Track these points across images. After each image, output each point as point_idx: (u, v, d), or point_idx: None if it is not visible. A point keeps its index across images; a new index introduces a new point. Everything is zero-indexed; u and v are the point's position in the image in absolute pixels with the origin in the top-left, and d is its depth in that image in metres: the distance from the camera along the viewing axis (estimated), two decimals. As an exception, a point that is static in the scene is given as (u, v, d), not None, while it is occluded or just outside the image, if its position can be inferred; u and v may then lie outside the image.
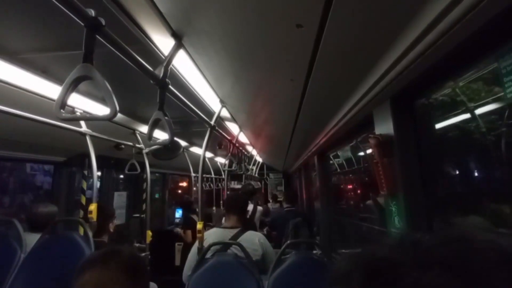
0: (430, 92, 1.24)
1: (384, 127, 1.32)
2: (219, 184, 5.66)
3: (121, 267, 0.75)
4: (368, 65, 1.13)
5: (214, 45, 1.13)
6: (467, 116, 1.19)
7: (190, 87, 1.58)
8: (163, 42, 1.09)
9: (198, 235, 1.82)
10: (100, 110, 1.93)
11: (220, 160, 4.69)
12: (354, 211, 3.10)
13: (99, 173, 3.07)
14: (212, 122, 1.99)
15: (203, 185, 3.60)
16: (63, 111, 0.75)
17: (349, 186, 3.49)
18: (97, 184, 2.06)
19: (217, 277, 1.60)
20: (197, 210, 2.77)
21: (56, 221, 2.06)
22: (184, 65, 1.31)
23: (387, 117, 1.29)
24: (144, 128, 2.66)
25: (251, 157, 5.06)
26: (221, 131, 2.51)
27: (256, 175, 6.80)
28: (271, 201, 6.97)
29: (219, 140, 3.62)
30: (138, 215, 3.93)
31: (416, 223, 1.14)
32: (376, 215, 2.18)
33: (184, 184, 7.06)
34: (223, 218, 2.47)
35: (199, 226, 1.84)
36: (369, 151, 1.81)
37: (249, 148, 4.37)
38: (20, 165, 3.78)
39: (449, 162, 1.39)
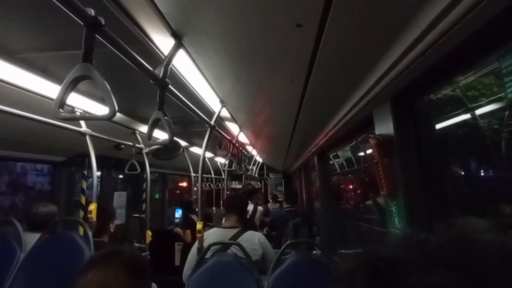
0: (430, 92, 1.24)
1: (384, 127, 1.32)
2: (219, 184, 5.66)
3: (123, 267, 0.76)
4: (368, 65, 1.13)
5: (214, 45, 1.13)
6: (467, 116, 1.19)
7: (190, 87, 1.58)
8: (163, 42, 1.09)
9: (198, 235, 1.82)
10: (100, 109, 1.93)
11: (220, 160, 4.69)
12: (354, 211, 3.10)
13: (99, 173, 3.06)
14: (212, 122, 1.99)
15: (203, 185, 3.61)
16: (62, 111, 0.75)
17: (349, 186, 3.49)
18: (97, 184, 2.06)
19: (216, 277, 1.60)
20: (196, 210, 2.77)
21: (56, 221, 2.06)
22: (184, 65, 1.31)
23: (387, 117, 1.29)
24: (144, 128, 2.65)
25: (251, 157, 5.06)
26: (221, 131, 2.51)
27: (256, 175, 6.79)
28: (271, 201, 6.97)
29: (219, 140, 3.62)
30: (138, 215, 3.93)
31: (416, 223, 1.14)
32: (376, 216, 2.17)
33: (184, 184, 7.06)
34: (223, 218, 2.47)
35: (199, 226, 1.84)
36: (369, 151, 1.81)
37: (249, 148, 4.37)
38: (9, 165, 3.71)
39: (450, 162, 1.39)
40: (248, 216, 3.07)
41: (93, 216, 1.86)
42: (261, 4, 0.83)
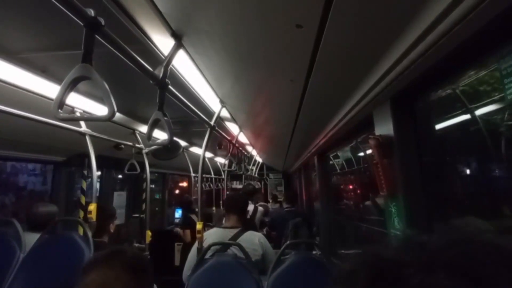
0: (430, 93, 1.24)
1: (384, 127, 1.32)
2: (219, 184, 5.66)
3: (125, 267, 0.77)
4: (368, 65, 1.13)
5: (214, 45, 1.13)
6: (467, 117, 1.19)
7: (190, 87, 1.58)
8: (162, 42, 1.09)
9: (198, 235, 1.82)
10: (100, 110, 1.93)
11: (220, 160, 4.69)
12: (354, 211, 3.10)
13: (98, 173, 3.07)
14: (212, 122, 1.99)
15: (203, 185, 3.60)
16: (62, 111, 0.74)
17: (349, 187, 3.49)
18: (96, 184, 2.06)
19: (216, 277, 1.60)
20: (196, 210, 2.77)
21: (56, 221, 2.06)
22: (184, 65, 1.31)
23: (387, 118, 1.29)
24: (143, 128, 2.65)
25: (251, 157, 5.06)
26: (221, 131, 2.51)
27: (256, 175, 6.79)
28: (270, 201, 6.97)
29: (219, 140, 3.62)
30: (137, 215, 3.93)
31: (416, 224, 1.13)
32: (375, 216, 2.17)
33: (184, 184, 7.07)
34: (224, 219, 2.47)
35: (199, 226, 1.84)
36: (369, 151, 1.81)
37: (249, 148, 4.37)
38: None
39: (449, 163, 1.39)
40: (248, 216, 3.07)
41: (93, 216, 1.86)
42: (261, 4, 0.83)
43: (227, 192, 3.90)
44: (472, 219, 1.08)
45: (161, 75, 1.08)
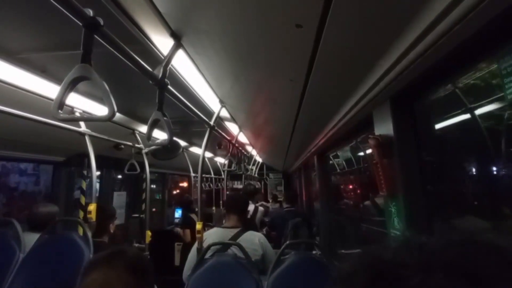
0: (430, 92, 1.24)
1: (384, 127, 1.32)
2: (219, 184, 5.66)
3: (126, 267, 0.77)
4: (368, 65, 1.13)
5: (213, 45, 1.13)
6: (467, 116, 1.19)
7: (190, 87, 1.58)
8: (162, 42, 1.09)
9: (198, 235, 1.82)
10: (99, 110, 1.93)
11: (220, 160, 4.68)
12: (353, 211, 3.10)
13: (98, 173, 3.06)
14: (212, 122, 1.99)
15: (203, 185, 3.60)
16: (61, 112, 0.74)
17: (349, 186, 3.49)
18: (96, 184, 2.06)
19: (216, 277, 1.60)
20: (196, 210, 2.77)
21: (56, 221, 2.06)
22: (183, 65, 1.31)
23: (387, 118, 1.29)
24: (143, 128, 2.65)
25: (250, 157, 5.06)
26: (220, 131, 2.51)
27: (256, 175, 6.79)
28: (270, 201, 6.97)
29: (219, 140, 3.61)
30: (137, 215, 3.93)
31: (416, 224, 1.13)
32: (375, 216, 2.17)
33: (185, 184, 7.07)
34: (224, 219, 2.47)
35: (199, 226, 1.84)
36: (368, 151, 1.81)
37: (249, 148, 4.37)
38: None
39: (449, 163, 1.39)
40: (248, 216, 3.07)
41: (93, 216, 1.86)
42: (261, 4, 0.83)
43: (227, 192, 3.90)
44: (472, 219, 1.08)
45: (160, 75, 1.08)
